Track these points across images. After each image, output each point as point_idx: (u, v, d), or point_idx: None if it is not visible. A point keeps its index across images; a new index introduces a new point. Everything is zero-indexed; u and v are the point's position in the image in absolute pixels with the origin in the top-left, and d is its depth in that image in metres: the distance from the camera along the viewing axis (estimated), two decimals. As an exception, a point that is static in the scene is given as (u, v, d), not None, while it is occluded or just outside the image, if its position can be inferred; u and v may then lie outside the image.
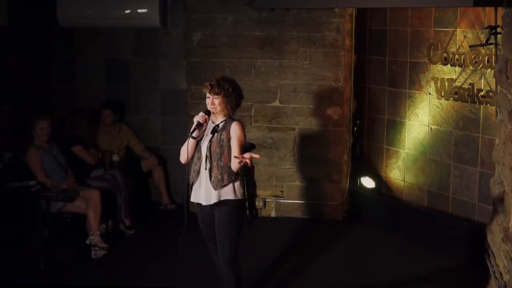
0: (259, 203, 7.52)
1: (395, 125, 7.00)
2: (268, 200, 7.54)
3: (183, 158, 4.75)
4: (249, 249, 5.63)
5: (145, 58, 7.91)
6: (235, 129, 4.67)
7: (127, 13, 7.50)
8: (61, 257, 6.29)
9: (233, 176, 4.67)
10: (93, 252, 6.39)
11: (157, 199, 7.85)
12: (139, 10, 7.49)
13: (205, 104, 4.76)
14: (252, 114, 7.43)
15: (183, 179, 7.40)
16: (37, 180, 6.39)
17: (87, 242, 6.43)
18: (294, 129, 7.41)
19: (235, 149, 4.63)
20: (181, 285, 5.69)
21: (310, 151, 7.41)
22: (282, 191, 7.53)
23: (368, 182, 7.41)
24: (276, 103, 7.40)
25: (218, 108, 4.69)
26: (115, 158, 7.42)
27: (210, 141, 4.67)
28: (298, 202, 7.51)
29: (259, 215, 7.57)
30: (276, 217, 7.54)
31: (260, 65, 7.36)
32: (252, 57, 7.35)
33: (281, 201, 7.54)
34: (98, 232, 6.44)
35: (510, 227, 3.97)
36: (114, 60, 7.98)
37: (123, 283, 5.84)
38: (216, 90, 4.65)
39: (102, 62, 8.02)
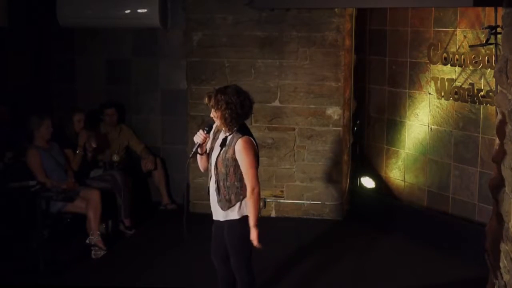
0: (259, 203, 7.51)
1: (395, 125, 7.00)
2: (268, 200, 7.54)
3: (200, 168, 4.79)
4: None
5: (145, 58, 7.90)
6: (238, 150, 4.46)
7: (127, 13, 7.49)
8: (61, 257, 6.28)
9: (241, 196, 4.56)
10: (93, 252, 6.39)
11: (157, 199, 7.85)
12: (139, 10, 7.49)
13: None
14: (252, 114, 7.41)
15: (183, 179, 7.47)
16: (37, 180, 6.38)
17: (87, 242, 6.42)
18: (294, 129, 7.40)
19: (245, 176, 4.48)
20: (181, 285, 5.68)
21: (310, 151, 7.40)
22: (282, 191, 7.53)
23: (368, 182, 7.41)
24: (276, 103, 7.40)
25: (218, 120, 4.52)
26: (115, 158, 7.42)
27: (217, 158, 4.52)
28: (298, 202, 7.51)
29: (259, 215, 7.54)
30: (276, 217, 7.54)
31: (260, 65, 7.36)
32: (252, 57, 7.35)
33: (281, 201, 7.54)
34: (98, 232, 6.43)
35: (510, 227, 3.96)
36: (114, 60, 7.98)
37: (123, 283, 5.83)
38: (212, 103, 4.49)
39: (102, 62, 8.02)
